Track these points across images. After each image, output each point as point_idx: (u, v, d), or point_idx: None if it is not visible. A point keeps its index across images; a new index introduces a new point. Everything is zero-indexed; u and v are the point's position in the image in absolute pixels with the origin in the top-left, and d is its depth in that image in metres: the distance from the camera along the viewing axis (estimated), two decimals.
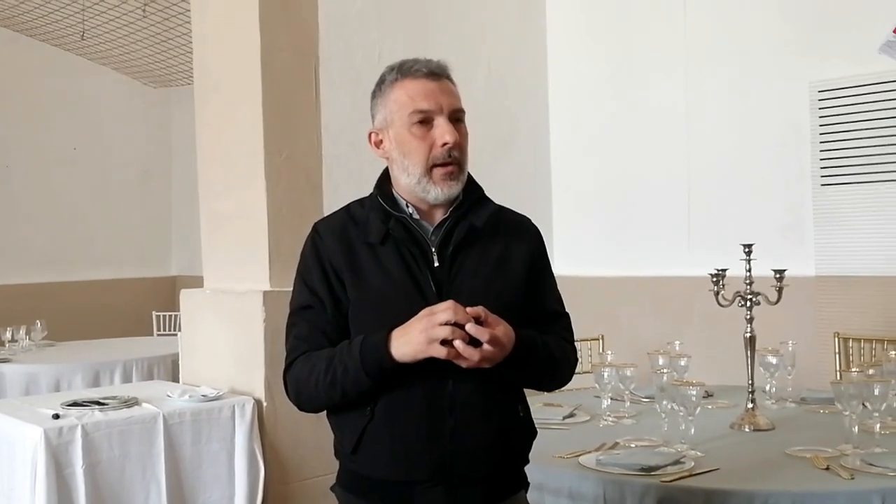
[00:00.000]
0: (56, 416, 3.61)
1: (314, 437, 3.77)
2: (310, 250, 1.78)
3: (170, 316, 7.48)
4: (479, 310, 1.59)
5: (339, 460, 1.78)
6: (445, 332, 1.54)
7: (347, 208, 1.85)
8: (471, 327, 1.56)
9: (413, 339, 1.57)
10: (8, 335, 6.05)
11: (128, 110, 8.56)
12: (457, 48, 5.22)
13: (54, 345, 6.41)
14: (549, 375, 1.84)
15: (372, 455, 1.67)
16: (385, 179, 1.83)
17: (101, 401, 3.89)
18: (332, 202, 4.23)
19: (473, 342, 1.57)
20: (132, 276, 8.52)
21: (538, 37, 5.70)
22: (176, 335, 6.12)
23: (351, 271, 1.71)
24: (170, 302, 8.04)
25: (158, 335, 7.39)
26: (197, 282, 4.81)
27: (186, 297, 4.65)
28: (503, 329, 1.62)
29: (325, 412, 1.81)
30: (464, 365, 1.59)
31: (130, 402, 3.88)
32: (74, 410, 3.71)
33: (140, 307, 8.17)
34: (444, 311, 1.56)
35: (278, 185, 4.28)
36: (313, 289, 1.74)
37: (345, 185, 4.28)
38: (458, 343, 1.55)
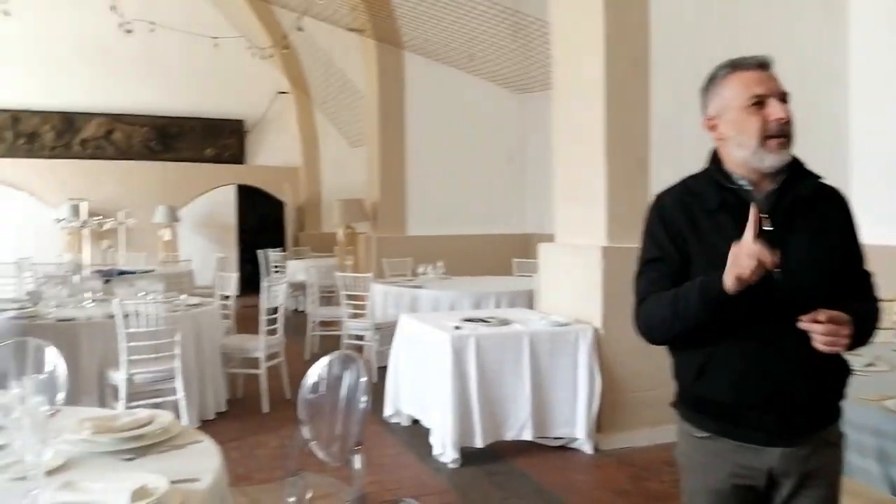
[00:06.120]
0: (457, 328, 3.98)
1: (641, 361, 3.74)
2: (657, 215, 1.71)
3: (525, 262, 7.78)
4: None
5: (680, 383, 1.71)
6: (750, 261, 1.45)
7: (684, 183, 1.73)
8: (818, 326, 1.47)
9: (730, 265, 1.47)
10: (421, 270, 6.77)
11: (497, 111, 9.00)
12: (762, 51, 4.71)
13: (450, 278, 7.01)
14: (869, 339, 1.63)
15: (712, 383, 1.60)
16: (716, 158, 1.70)
17: (486, 319, 4.22)
18: (656, 179, 4.12)
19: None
20: (499, 232, 9.01)
21: (838, 33, 4.96)
22: (530, 276, 6.37)
23: (693, 233, 1.63)
24: (523, 251, 8.39)
25: (518, 275, 7.74)
26: (546, 237, 4.96)
27: (543, 248, 4.82)
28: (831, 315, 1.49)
29: (667, 350, 1.73)
30: (825, 348, 1.49)
31: (505, 322, 4.16)
32: (468, 325, 4.07)
33: (504, 254, 8.63)
34: (750, 250, 1.45)
35: (614, 165, 4.25)
36: (661, 245, 1.67)
37: (666, 166, 4.12)
38: (816, 326, 1.48)
